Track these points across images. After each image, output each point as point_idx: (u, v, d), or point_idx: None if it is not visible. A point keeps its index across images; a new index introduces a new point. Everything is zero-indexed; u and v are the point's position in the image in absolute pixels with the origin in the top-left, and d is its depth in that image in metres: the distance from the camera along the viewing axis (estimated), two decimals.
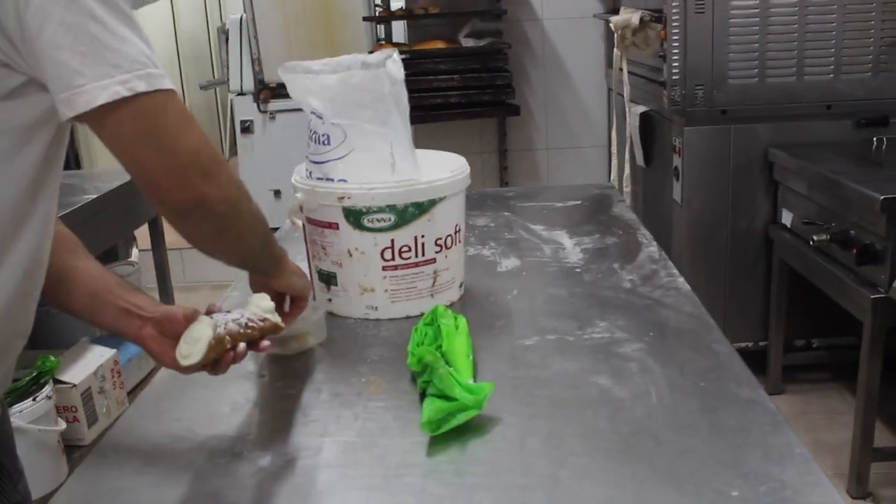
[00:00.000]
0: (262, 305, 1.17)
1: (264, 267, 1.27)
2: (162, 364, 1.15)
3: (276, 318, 1.18)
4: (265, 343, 1.17)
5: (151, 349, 1.14)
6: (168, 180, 0.96)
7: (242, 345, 1.12)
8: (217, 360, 1.11)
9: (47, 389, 2.52)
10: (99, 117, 0.91)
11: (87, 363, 2.82)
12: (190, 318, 1.13)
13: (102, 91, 0.89)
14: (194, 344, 1.08)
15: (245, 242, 1.15)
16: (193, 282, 4.81)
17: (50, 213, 1.05)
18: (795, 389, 3.17)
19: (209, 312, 1.15)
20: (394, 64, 1.43)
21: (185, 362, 1.08)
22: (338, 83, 1.42)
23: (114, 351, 2.93)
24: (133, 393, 3.09)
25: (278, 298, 1.30)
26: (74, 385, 2.69)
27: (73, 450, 2.69)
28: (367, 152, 1.45)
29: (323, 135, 1.46)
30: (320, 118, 1.46)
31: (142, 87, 0.91)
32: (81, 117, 0.91)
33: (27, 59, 0.90)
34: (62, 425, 2.57)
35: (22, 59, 0.90)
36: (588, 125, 4.52)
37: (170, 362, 1.12)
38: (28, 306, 1.09)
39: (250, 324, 1.13)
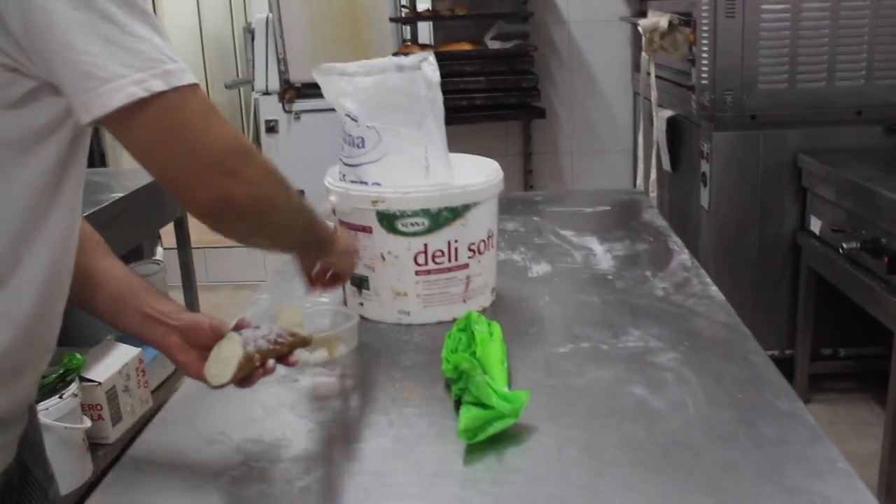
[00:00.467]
0: (290, 319, 1.16)
1: (310, 250, 1.26)
2: (186, 374, 1.14)
3: (305, 332, 1.17)
4: (294, 358, 1.15)
5: (176, 359, 1.13)
6: (191, 182, 0.93)
7: (272, 362, 1.11)
8: (246, 376, 1.09)
9: (73, 387, 2.53)
10: (117, 121, 0.87)
11: (112, 361, 2.83)
12: (216, 329, 1.11)
13: (118, 93, 0.84)
14: (225, 364, 1.06)
15: (283, 234, 1.12)
16: (216, 281, 4.82)
17: (72, 221, 1.02)
18: (822, 399, 3.14)
19: (238, 328, 1.13)
20: (429, 66, 1.42)
21: (214, 382, 1.07)
22: (373, 86, 1.42)
23: (139, 349, 2.94)
24: (157, 392, 3.10)
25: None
26: (100, 383, 2.70)
27: (97, 448, 2.70)
28: (401, 155, 1.44)
29: (357, 137, 1.46)
30: (354, 121, 1.46)
31: (159, 85, 0.86)
32: (99, 121, 0.87)
33: (37, 63, 0.86)
34: (87, 423, 2.58)
35: (31, 63, 0.86)
36: (613, 129, 4.50)
37: (195, 373, 1.12)
38: (50, 320, 1.05)
39: (279, 339, 1.12)
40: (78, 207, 1.03)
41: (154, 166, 0.93)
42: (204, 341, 1.11)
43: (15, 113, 0.89)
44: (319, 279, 1.34)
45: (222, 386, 1.07)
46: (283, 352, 1.13)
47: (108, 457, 2.72)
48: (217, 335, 1.11)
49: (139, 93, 0.85)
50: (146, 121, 0.88)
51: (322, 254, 1.27)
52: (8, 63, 0.86)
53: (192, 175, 0.92)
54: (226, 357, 1.07)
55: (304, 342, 1.16)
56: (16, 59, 0.86)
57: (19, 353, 1.00)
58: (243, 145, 0.96)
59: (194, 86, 0.91)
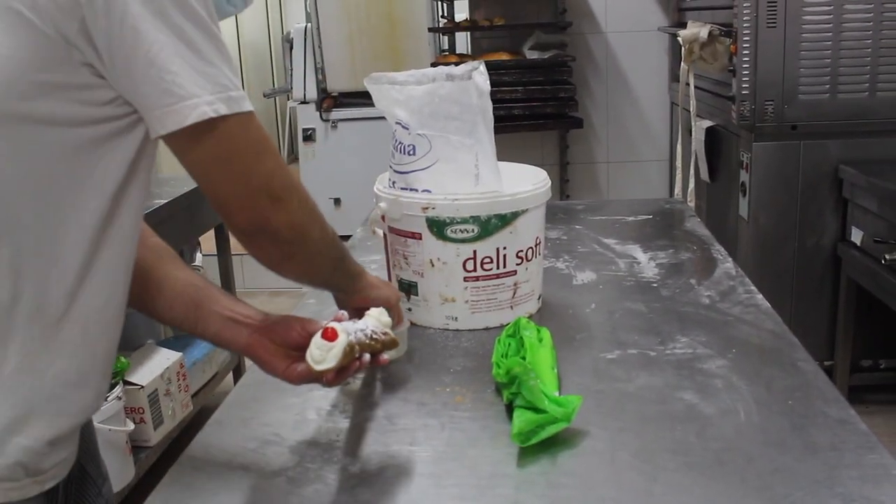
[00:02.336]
0: (381, 320, 1.17)
1: (338, 286, 1.29)
2: (269, 373, 1.15)
3: (393, 334, 1.17)
4: (385, 357, 1.16)
5: (261, 357, 1.14)
6: (237, 203, 0.98)
7: (367, 356, 1.12)
8: (343, 368, 1.10)
9: (117, 390, 2.57)
10: (183, 138, 0.93)
11: (154, 365, 2.87)
12: (307, 327, 1.13)
13: (192, 111, 0.91)
14: (329, 350, 1.07)
15: (313, 266, 1.15)
16: (252, 288, 4.86)
17: (135, 229, 1.05)
18: (862, 410, 3.09)
19: (336, 320, 1.14)
20: (481, 76, 1.44)
21: (318, 367, 1.07)
22: (425, 94, 1.44)
23: (180, 354, 2.97)
24: (197, 396, 3.14)
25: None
26: (142, 387, 2.73)
27: (139, 451, 2.74)
28: (451, 163, 1.46)
29: (408, 145, 1.48)
30: (406, 129, 1.48)
31: (224, 109, 0.92)
32: (165, 137, 0.93)
33: (114, 76, 0.91)
34: (130, 426, 2.62)
35: (108, 75, 0.91)
36: (650, 139, 4.50)
37: (282, 372, 1.12)
38: (116, 330, 1.08)
39: (374, 335, 1.13)
40: (141, 212, 1.05)
41: (206, 184, 0.98)
42: (294, 339, 1.13)
43: (92, 117, 0.93)
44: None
45: (325, 372, 1.08)
46: (377, 348, 1.14)
47: (149, 459, 2.76)
48: (307, 332, 1.12)
49: (209, 113, 0.91)
50: (208, 141, 0.93)
51: (349, 290, 1.29)
52: (96, 69, 0.91)
53: (240, 196, 0.98)
54: (330, 343, 1.08)
55: (394, 343, 1.17)
56: (100, 68, 0.91)
57: (90, 363, 1.04)
58: (290, 177, 1.02)
59: (252, 114, 0.97)
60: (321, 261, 1.15)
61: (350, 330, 1.10)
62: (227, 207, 0.99)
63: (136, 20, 0.88)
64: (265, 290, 4.91)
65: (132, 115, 0.95)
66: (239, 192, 0.97)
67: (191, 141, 0.93)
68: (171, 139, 0.93)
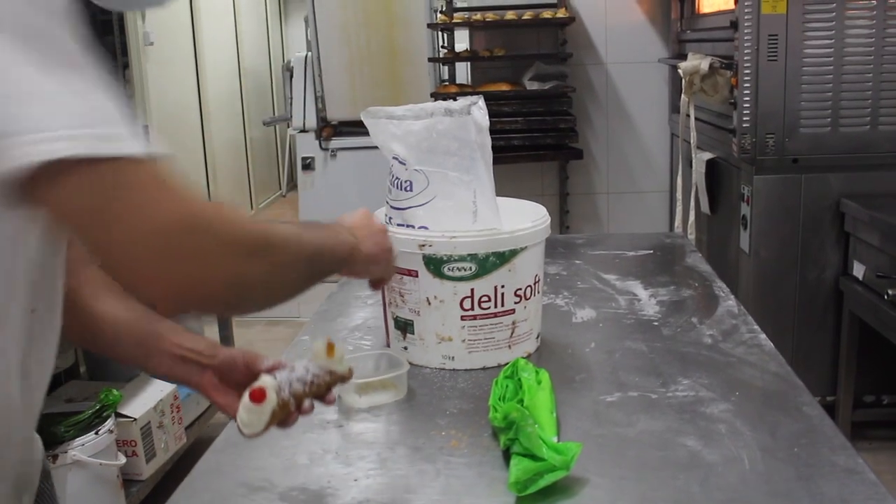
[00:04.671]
0: (328, 355, 1.10)
1: (326, 273, 1.04)
2: (223, 412, 1.09)
3: (344, 368, 1.11)
4: (332, 396, 1.10)
5: (215, 400, 1.09)
6: (132, 277, 0.77)
7: (308, 402, 1.06)
8: (282, 420, 1.04)
9: (109, 423, 2.54)
10: (44, 186, 0.72)
11: (147, 397, 2.83)
12: (250, 365, 1.08)
13: (33, 147, 0.69)
14: (258, 413, 1.01)
15: (285, 289, 0.92)
16: (249, 317, 4.82)
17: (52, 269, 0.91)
18: (865, 447, 3.08)
19: (272, 369, 1.07)
20: (479, 111, 1.42)
21: (246, 431, 1.02)
22: (423, 129, 1.41)
23: (174, 386, 2.94)
24: (190, 428, 3.10)
25: None
26: (135, 419, 2.70)
27: (130, 484, 2.70)
28: (449, 200, 1.43)
29: (405, 181, 1.45)
30: (403, 164, 1.45)
31: (86, 150, 0.70)
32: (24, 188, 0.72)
33: None
34: (122, 460, 2.58)
35: None
36: (650, 170, 4.48)
37: (233, 414, 1.07)
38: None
39: (315, 380, 1.07)
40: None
41: (91, 248, 0.77)
42: (239, 379, 1.07)
43: None
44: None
45: (255, 435, 1.03)
46: (321, 391, 1.08)
47: (141, 493, 2.72)
48: (251, 372, 1.07)
49: (62, 152, 0.70)
50: (74, 190, 0.73)
51: (343, 269, 1.12)
52: None
53: (130, 265, 0.76)
54: (258, 407, 1.02)
55: (343, 378, 1.10)
56: None
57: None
58: (193, 219, 0.78)
59: (139, 162, 0.75)
60: (282, 285, 0.92)
61: (283, 383, 1.04)
62: (123, 279, 0.78)
63: None
64: (262, 320, 4.88)
65: None
66: (130, 262, 0.76)
67: (48, 191, 0.72)
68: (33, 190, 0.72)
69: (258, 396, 1.02)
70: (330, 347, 1.10)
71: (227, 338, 3.56)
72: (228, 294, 0.82)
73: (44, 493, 1.07)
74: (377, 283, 1.24)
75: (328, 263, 1.04)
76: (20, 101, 0.70)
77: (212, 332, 3.57)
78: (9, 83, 0.70)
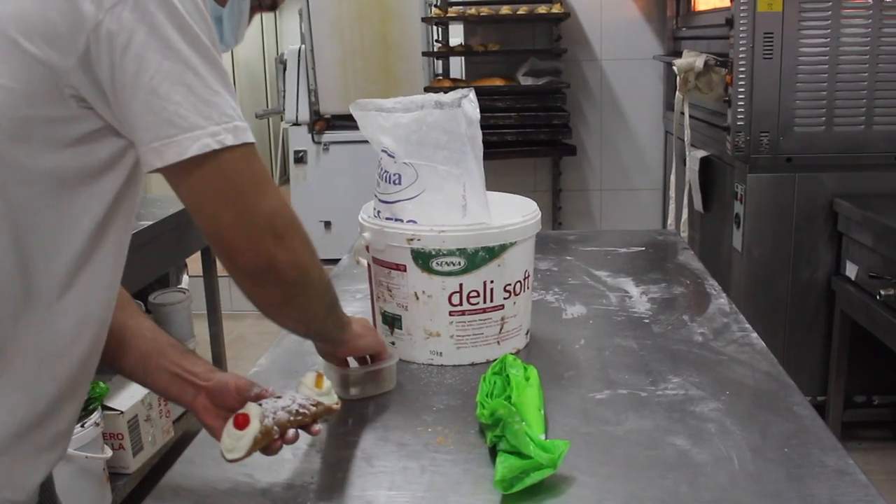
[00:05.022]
0: (315, 389, 1.13)
1: (329, 334, 1.25)
2: (213, 438, 1.12)
3: (332, 400, 1.14)
4: (317, 427, 1.12)
5: (204, 421, 1.13)
6: (243, 242, 0.94)
7: (292, 431, 1.08)
8: (265, 447, 1.07)
9: (95, 416, 2.51)
10: (183, 170, 0.89)
11: (135, 390, 2.81)
12: (241, 391, 1.10)
13: (193, 142, 0.88)
14: (238, 439, 1.04)
15: (311, 309, 1.11)
16: (240, 310, 4.80)
17: (116, 268, 1.02)
18: (855, 447, 3.07)
19: (259, 397, 1.09)
20: (470, 104, 1.40)
21: (229, 456, 1.04)
22: (412, 122, 1.39)
23: None
24: (178, 422, 3.08)
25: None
26: (122, 412, 2.68)
27: (117, 477, 2.67)
28: (438, 193, 1.41)
29: (394, 174, 1.43)
30: (392, 157, 1.43)
31: (230, 140, 0.89)
32: (164, 169, 0.89)
33: (112, 106, 0.89)
34: (108, 453, 2.55)
35: (107, 106, 0.89)
36: (643, 167, 4.47)
37: (219, 437, 1.09)
38: (92, 364, 1.05)
39: (301, 410, 1.09)
40: (123, 254, 1.03)
41: (209, 221, 0.94)
42: (230, 404, 1.10)
43: (75, 150, 0.91)
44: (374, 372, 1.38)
45: (236, 461, 1.05)
46: (306, 422, 1.10)
47: (127, 487, 2.69)
48: (241, 398, 1.10)
49: (213, 144, 0.88)
50: (210, 174, 0.90)
51: (339, 339, 1.27)
52: (85, 101, 0.88)
53: (243, 234, 0.94)
54: (241, 432, 1.04)
55: (329, 411, 1.14)
56: (93, 100, 0.89)
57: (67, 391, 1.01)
58: (292, 214, 0.99)
59: (254, 146, 0.94)
60: (318, 305, 1.12)
61: (269, 411, 1.06)
62: (230, 246, 0.94)
63: (141, 48, 0.85)
64: (252, 313, 4.85)
65: (116, 152, 0.93)
66: (242, 230, 0.94)
67: (191, 174, 0.90)
68: (170, 172, 0.90)
69: (241, 423, 1.05)
70: (319, 378, 1.14)
71: (217, 331, 3.54)
72: (294, 279, 1.00)
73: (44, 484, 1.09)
74: (380, 356, 1.38)
75: (335, 320, 1.22)
76: (177, 103, 0.87)
77: (201, 325, 3.55)
78: (164, 85, 0.86)
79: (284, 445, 1.09)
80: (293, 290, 1.02)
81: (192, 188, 0.92)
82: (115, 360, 1.14)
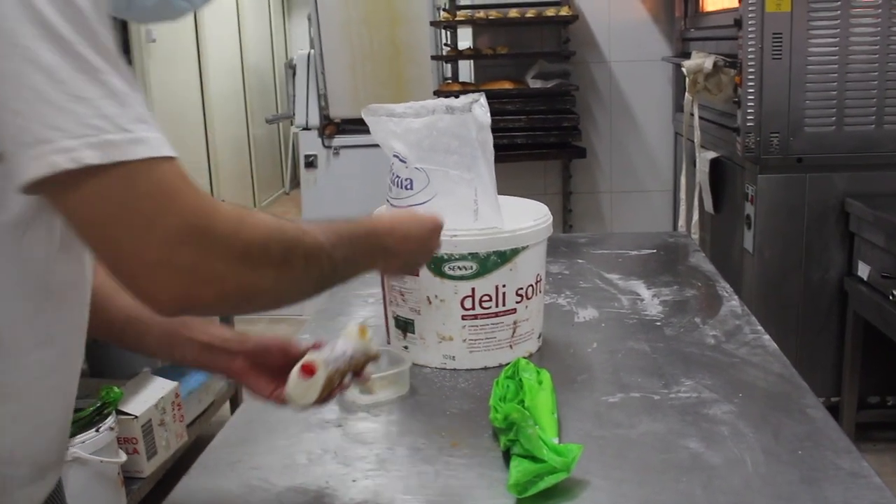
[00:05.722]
0: (359, 336, 1.15)
1: (364, 273, 1.04)
2: (260, 398, 1.13)
3: (375, 347, 1.17)
4: (368, 370, 1.15)
5: (246, 383, 1.12)
6: (138, 281, 0.76)
7: (348, 377, 1.11)
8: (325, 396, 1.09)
9: (110, 420, 2.53)
10: (51, 194, 0.72)
11: (149, 395, 2.82)
12: (286, 349, 1.11)
13: (34, 161, 0.69)
14: (308, 386, 1.07)
15: (295, 297, 0.90)
16: (253, 315, 4.81)
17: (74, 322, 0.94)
18: (869, 449, 3.06)
19: (314, 348, 1.12)
20: (481, 108, 1.40)
21: (300, 403, 1.08)
22: (423, 127, 1.40)
23: (175, 383, 2.93)
24: (192, 426, 3.09)
25: None
26: (136, 417, 2.69)
27: (131, 482, 2.69)
28: (450, 198, 1.42)
29: (406, 179, 1.44)
30: (403, 162, 1.44)
31: (92, 158, 0.69)
32: (35, 192, 0.71)
33: None
34: (123, 457, 2.57)
35: None
36: (653, 169, 4.46)
37: (268, 396, 1.11)
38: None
39: (353, 357, 1.12)
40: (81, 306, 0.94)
41: (99, 254, 0.77)
42: (275, 363, 1.11)
43: None
44: None
45: (307, 408, 1.09)
46: (357, 368, 1.14)
47: (142, 491, 2.71)
48: (287, 356, 1.11)
49: (63, 163, 0.69)
50: (88, 198, 0.72)
51: (380, 269, 1.16)
52: None
53: (137, 273, 0.76)
54: (309, 381, 1.07)
55: (374, 357, 1.17)
56: None
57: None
58: (202, 227, 0.76)
59: (153, 161, 0.73)
60: (303, 285, 0.91)
61: (329, 360, 1.09)
62: (131, 287, 0.77)
63: None
64: (264, 318, 4.87)
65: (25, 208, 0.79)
66: (133, 268, 0.75)
67: (64, 199, 0.72)
68: (47, 198, 0.73)
69: (309, 371, 1.07)
70: (362, 330, 1.16)
71: None
72: (235, 300, 0.83)
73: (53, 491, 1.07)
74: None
75: (352, 277, 1.02)
76: (24, 114, 0.69)
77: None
78: (19, 92, 0.69)
79: (303, 456, 1.10)
80: (241, 309, 0.86)
81: (68, 217, 0.74)
82: (137, 343, 1.12)
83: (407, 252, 1.13)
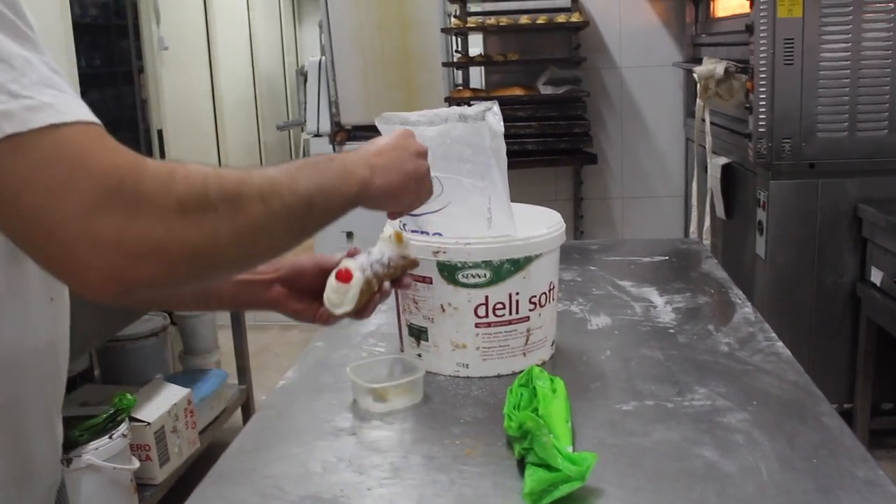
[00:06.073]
0: (397, 244, 1.15)
1: (335, 217, 0.92)
2: (303, 321, 1.12)
3: (412, 253, 1.17)
4: (407, 280, 1.15)
5: (287, 309, 1.11)
6: (66, 261, 0.66)
7: (387, 284, 1.10)
8: (364, 304, 1.07)
9: (123, 427, 2.54)
10: None
11: (162, 401, 2.83)
12: (322, 265, 1.10)
13: None
14: (346, 292, 1.05)
15: (265, 237, 0.79)
16: (262, 321, 4.83)
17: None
18: (883, 455, 3.05)
19: (350, 255, 1.11)
20: (494, 117, 1.40)
21: (337, 311, 1.06)
22: (437, 136, 1.40)
23: (188, 390, 2.94)
24: (204, 433, 3.10)
25: None
26: (148, 423, 2.70)
27: (144, 488, 2.70)
28: (464, 206, 1.42)
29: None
30: None
31: None
32: None
33: None
34: (136, 464, 2.58)
35: None
36: (664, 175, 4.46)
37: (311, 318, 1.10)
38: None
39: (392, 263, 1.11)
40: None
41: (12, 239, 0.68)
42: (311, 283, 1.10)
43: None
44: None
45: (345, 314, 1.07)
46: (397, 274, 1.12)
47: (154, 497, 2.72)
48: (324, 272, 1.09)
49: None
50: None
51: (359, 204, 0.98)
52: None
53: (57, 254, 0.66)
54: (346, 286, 1.05)
55: (414, 264, 1.16)
56: None
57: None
58: (123, 189, 0.66)
59: (55, 127, 0.65)
60: (269, 225, 0.78)
61: (365, 265, 1.08)
62: (56, 270, 0.68)
63: None
64: (276, 324, 4.89)
65: None
66: (53, 250, 0.66)
67: None
68: None
69: (345, 276, 1.06)
70: (398, 235, 1.15)
71: (241, 344, 3.56)
72: (189, 266, 0.71)
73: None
74: (394, 215, 1.17)
75: (329, 209, 0.89)
76: None
77: (226, 336, 3.57)
78: None
79: (317, 464, 1.08)
80: (201, 276, 0.75)
81: None
82: (171, 299, 1.12)
83: (385, 166, 1.01)
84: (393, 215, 1.17)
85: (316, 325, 1.12)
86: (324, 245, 3.81)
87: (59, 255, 0.65)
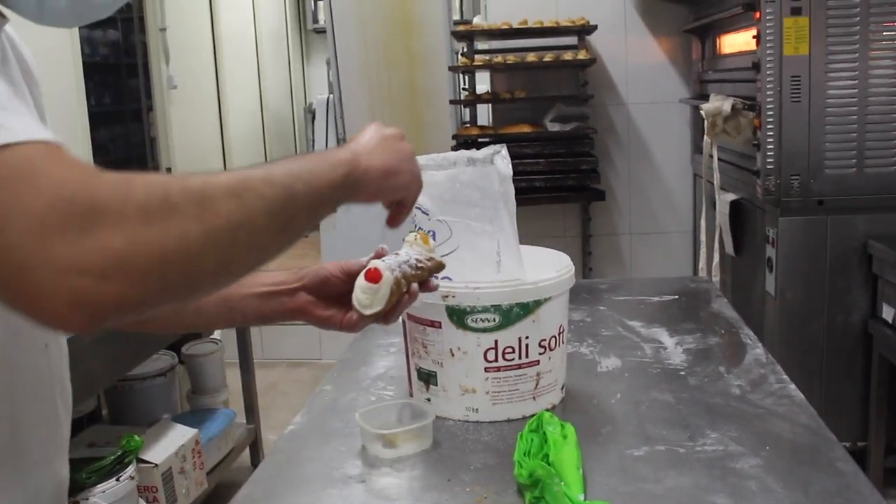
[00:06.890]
0: (421, 243, 1.15)
1: (324, 211, 0.85)
2: (330, 328, 1.10)
3: (438, 255, 1.16)
4: (435, 282, 1.14)
5: (315, 316, 1.09)
6: (24, 291, 0.61)
7: (415, 285, 1.09)
8: (393, 306, 1.06)
9: (130, 469, 2.52)
10: None
11: (169, 442, 2.82)
12: (347, 271, 1.09)
13: None
14: (376, 291, 1.04)
15: (244, 235, 0.72)
16: (272, 359, 4.82)
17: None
18: None
19: (377, 257, 1.11)
20: (502, 160, 1.41)
21: (367, 311, 1.04)
22: (446, 180, 1.40)
23: (195, 431, 2.93)
24: (212, 473, 3.08)
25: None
26: (156, 465, 2.68)
27: None
28: (472, 250, 1.42)
29: (428, 231, 1.44)
30: (426, 214, 1.44)
31: None
32: None
33: None
34: None
35: None
36: (672, 211, 4.45)
37: (337, 325, 1.08)
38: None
39: (420, 264, 1.10)
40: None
41: None
42: (337, 289, 1.09)
43: None
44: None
45: (375, 315, 1.05)
46: (424, 276, 1.11)
47: None
48: (350, 277, 1.08)
49: None
50: None
51: (354, 196, 0.92)
52: None
53: (11, 283, 0.61)
54: (375, 286, 1.04)
55: (440, 266, 1.15)
56: None
57: None
58: (75, 202, 0.61)
59: (4, 148, 0.61)
60: (248, 220, 0.72)
61: (393, 265, 1.07)
62: (17, 306, 0.62)
63: None
64: (284, 361, 4.88)
65: None
66: (7, 279, 0.60)
67: None
68: None
69: (374, 276, 1.04)
70: (424, 237, 1.16)
71: (249, 380, 3.55)
72: (164, 277, 0.65)
73: None
74: (398, 210, 1.06)
75: (316, 198, 0.82)
76: None
77: (234, 374, 3.56)
78: None
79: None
80: (175, 287, 0.67)
81: None
82: (196, 318, 1.10)
83: (368, 149, 0.94)
84: (394, 219, 1.07)
85: (343, 331, 1.09)
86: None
87: (15, 282, 0.60)
